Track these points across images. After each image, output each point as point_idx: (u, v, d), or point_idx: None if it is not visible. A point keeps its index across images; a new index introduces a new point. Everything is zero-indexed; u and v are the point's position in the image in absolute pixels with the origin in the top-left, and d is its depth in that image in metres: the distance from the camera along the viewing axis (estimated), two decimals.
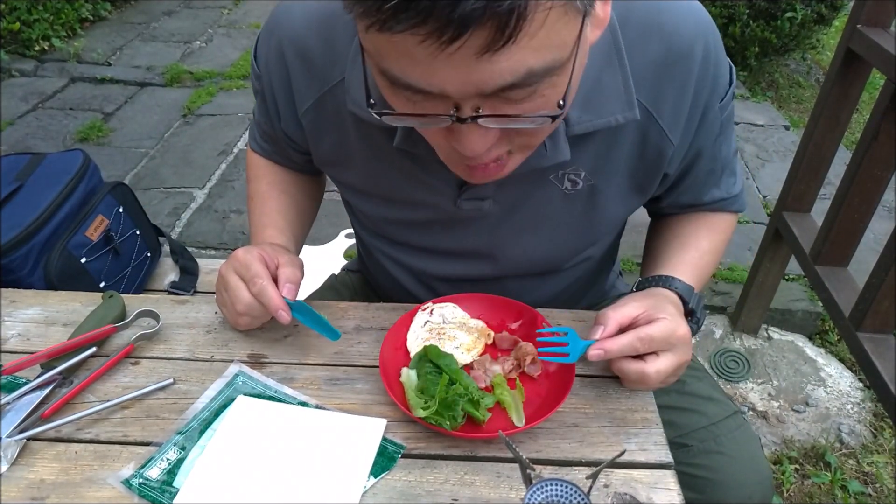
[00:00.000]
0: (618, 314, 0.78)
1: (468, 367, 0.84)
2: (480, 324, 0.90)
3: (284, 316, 0.80)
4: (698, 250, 0.92)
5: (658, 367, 0.76)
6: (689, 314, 0.86)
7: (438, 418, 0.73)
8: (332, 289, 1.17)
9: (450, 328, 0.88)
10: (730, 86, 0.82)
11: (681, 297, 0.85)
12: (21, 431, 0.74)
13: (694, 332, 0.82)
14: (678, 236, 0.96)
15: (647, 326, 0.76)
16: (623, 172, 0.84)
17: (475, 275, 0.95)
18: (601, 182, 0.83)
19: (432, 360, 0.80)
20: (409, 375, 0.80)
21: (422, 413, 0.73)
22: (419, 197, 0.86)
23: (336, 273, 1.23)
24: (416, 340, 0.87)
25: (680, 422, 0.93)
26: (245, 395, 0.80)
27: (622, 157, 0.82)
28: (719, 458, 0.92)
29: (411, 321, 0.90)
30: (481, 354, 0.86)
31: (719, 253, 0.96)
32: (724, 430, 0.94)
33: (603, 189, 0.84)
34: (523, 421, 0.76)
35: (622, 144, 0.80)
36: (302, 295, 1.17)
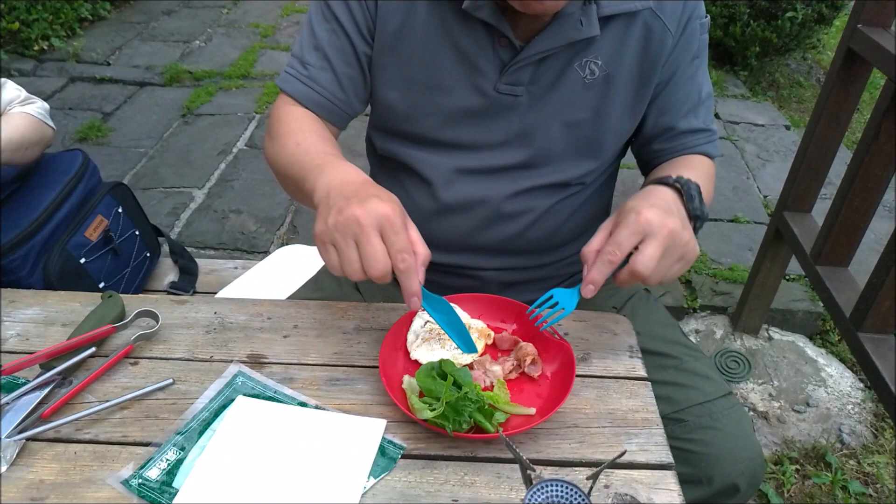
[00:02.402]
0: (590, 245, 0.82)
1: (469, 367, 0.83)
2: (480, 324, 0.90)
3: (416, 303, 0.76)
4: (676, 172, 0.93)
5: (642, 259, 0.77)
6: (676, 189, 0.86)
7: (443, 421, 0.72)
8: (329, 273, 1.17)
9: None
10: (705, 16, 0.99)
11: (665, 183, 0.86)
12: (20, 432, 0.74)
13: (697, 216, 0.84)
14: (655, 175, 1.01)
15: (612, 237, 0.79)
16: (632, 64, 0.95)
17: (492, 166, 1.00)
18: (615, 72, 0.94)
19: (447, 371, 0.79)
20: (410, 383, 0.79)
21: (428, 414, 0.73)
22: (463, 80, 0.94)
23: None
24: (415, 341, 0.87)
25: (677, 397, 0.97)
26: (244, 395, 0.80)
27: (631, 49, 0.94)
28: (714, 434, 0.95)
29: (411, 321, 0.89)
30: (481, 355, 0.86)
31: (705, 187, 0.96)
32: (719, 407, 0.97)
33: (615, 80, 0.95)
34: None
35: (632, 35, 0.93)
36: (296, 284, 1.17)
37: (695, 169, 1.00)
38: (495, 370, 0.83)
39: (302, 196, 0.89)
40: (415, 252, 0.75)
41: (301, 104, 0.99)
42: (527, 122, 0.97)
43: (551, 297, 0.85)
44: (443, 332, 0.87)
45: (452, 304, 0.91)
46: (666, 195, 0.84)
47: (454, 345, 0.85)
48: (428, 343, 0.86)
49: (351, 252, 0.73)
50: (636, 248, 0.77)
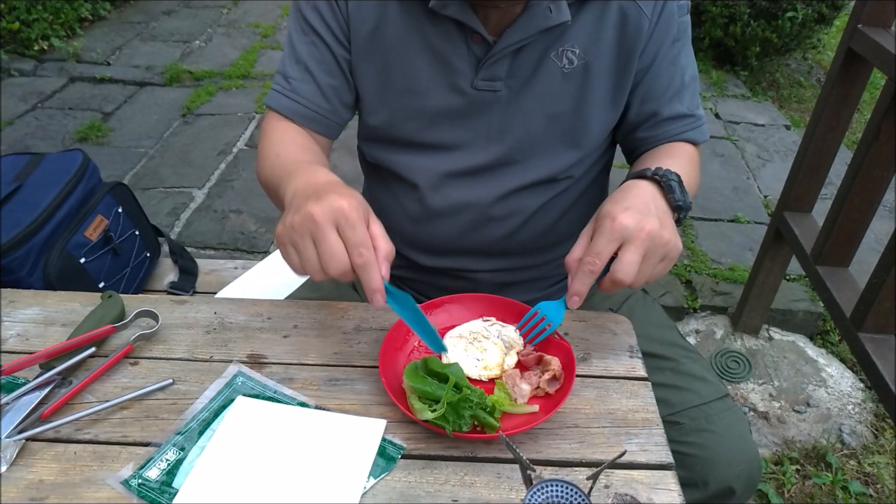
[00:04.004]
0: (572, 254, 0.80)
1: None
2: (519, 348, 0.87)
3: (379, 299, 0.73)
4: (658, 163, 0.91)
5: (622, 267, 0.75)
6: (655, 181, 0.84)
7: (443, 422, 0.72)
8: None
9: (490, 343, 0.86)
10: None
11: (636, 177, 0.85)
12: (20, 432, 0.74)
13: (679, 206, 0.82)
14: (636, 167, 1.00)
15: (591, 247, 0.77)
16: (610, 52, 0.94)
17: (477, 165, 0.99)
18: (593, 60, 0.94)
19: (434, 369, 0.78)
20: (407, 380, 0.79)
21: (429, 415, 0.73)
22: (440, 80, 0.94)
23: None
24: (451, 348, 0.86)
25: (673, 400, 0.97)
26: (244, 395, 0.80)
27: (609, 36, 0.93)
28: (710, 437, 0.95)
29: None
30: (490, 379, 0.84)
31: (688, 175, 0.93)
32: (716, 409, 0.97)
33: (594, 68, 0.94)
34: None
35: (608, 22, 0.92)
36: (296, 284, 1.17)
37: (677, 157, 0.98)
38: (524, 388, 0.80)
39: (281, 207, 0.86)
40: (376, 247, 0.72)
41: (287, 118, 0.99)
42: (508, 116, 0.96)
43: (538, 311, 0.85)
44: (475, 339, 0.86)
45: (516, 329, 0.89)
46: (644, 191, 0.82)
47: (477, 355, 0.84)
48: (463, 347, 0.85)
49: (309, 251, 0.71)
50: (616, 253, 0.76)
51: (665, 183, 0.83)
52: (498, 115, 0.96)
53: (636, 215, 0.76)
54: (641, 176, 0.85)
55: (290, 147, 0.95)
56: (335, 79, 0.99)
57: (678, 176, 0.84)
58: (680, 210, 0.83)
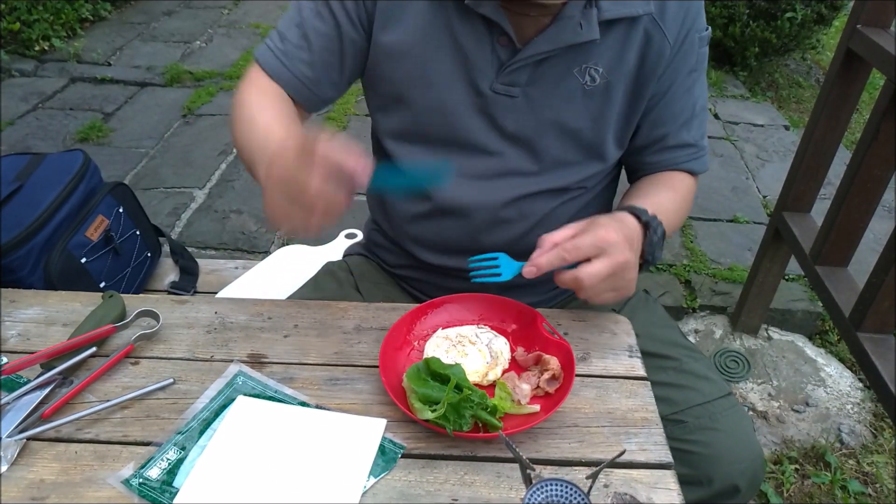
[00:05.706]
0: (553, 235, 0.84)
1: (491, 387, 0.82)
2: (505, 365, 0.86)
3: (362, 178, 0.73)
4: (655, 199, 0.98)
5: (589, 270, 0.80)
6: (645, 227, 0.89)
7: (444, 422, 0.72)
8: (330, 273, 1.17)
9: (475, 350, 0.86)
10: (706, 29, 0.98)
11: (633, 213, 0.90)
12: (21, 431, 0.74)
13: (654, 246, 0.89)
14: (637, 193, 1.03)
15: (574, 238, 0.82)
16: (630, 74, 0.95)
17: (490, 169, 1.00)
18: (614, 79, 0.94)
19: (437, 370, 0.78)
20: (409, 382, 0.79)
21: (429, 415, 0.73)
22: (460, 76, 0.94)
23: (334, 260, 1.23)
24: (440, 344, 0.86)
25: (676, 398, 0.97)
26: (245, 395, 0.80)
27: (631, 58, 0.93)
28: (713, 435, 0.96)
29: (415, 322, 0.89)
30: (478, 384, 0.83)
31: (678, 212, 1.03)
32: (719, 408, 0.98)
33: (615, 87, 0.95)
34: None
35: (633, 43, 0.92)
36: (297, 284, 1.17)
37: (675, 191, 1.03)
38: (524, 388, 0.81)
39: (254, 175, 0.91)
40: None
41: (271, 78, 1.01)
42: (522, 124, 0.96)
43: (496, 258, 0.88)
44: (459, 343, 0.86)
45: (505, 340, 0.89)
46: (635, 231, 0.87)
47: (463, 359, 0.84)
48: (445, 349, 0.85)
49: (289, 196, 0.74)
50: (589, 259, 0.81)
51: (649, 235, 0.89)
52: (512, 120, 0.96)
53: (625, 242, 0.82)
54: (636, 215, 0.89)
55: (266, 113, 0.95)
56: (332, 55, 0.98)
57: (664, 233, 0.91)
58: (646, 262, 0.89)
